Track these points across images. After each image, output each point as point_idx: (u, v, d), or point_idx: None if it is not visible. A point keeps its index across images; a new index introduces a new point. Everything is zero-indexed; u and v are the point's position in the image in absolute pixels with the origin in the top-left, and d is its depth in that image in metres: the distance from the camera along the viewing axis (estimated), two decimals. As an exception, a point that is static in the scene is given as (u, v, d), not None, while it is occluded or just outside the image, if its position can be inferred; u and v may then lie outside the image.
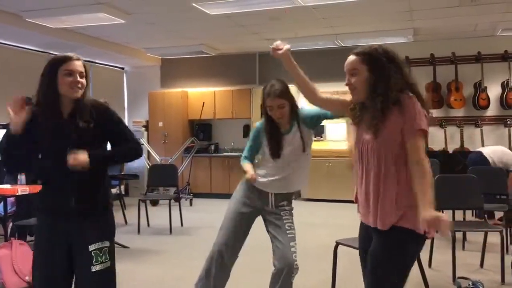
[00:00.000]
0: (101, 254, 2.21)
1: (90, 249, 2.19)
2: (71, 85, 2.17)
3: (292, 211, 3.06)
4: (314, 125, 3.00)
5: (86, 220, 2.22)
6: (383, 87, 2.00)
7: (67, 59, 2.19)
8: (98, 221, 2.27)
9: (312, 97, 2.33)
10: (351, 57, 2.11)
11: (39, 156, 2.27)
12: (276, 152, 2.92)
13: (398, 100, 1.99)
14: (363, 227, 2.22)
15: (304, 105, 2.99)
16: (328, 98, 2.34)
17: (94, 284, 2.20)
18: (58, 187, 2.23)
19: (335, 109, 2.42)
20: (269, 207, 3.01)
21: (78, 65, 2.20)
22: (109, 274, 2.26)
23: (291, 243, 2.90)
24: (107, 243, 2.25)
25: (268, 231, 3.02)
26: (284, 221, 2.96)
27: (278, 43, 2.36)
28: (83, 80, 2.22)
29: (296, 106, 2.97)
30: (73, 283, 2.31)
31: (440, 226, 1.83)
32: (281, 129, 2.95)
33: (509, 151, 6.44)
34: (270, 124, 2.95)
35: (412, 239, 2.01)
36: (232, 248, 2.97)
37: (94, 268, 2.18)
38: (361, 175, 2.13)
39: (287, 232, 2.92)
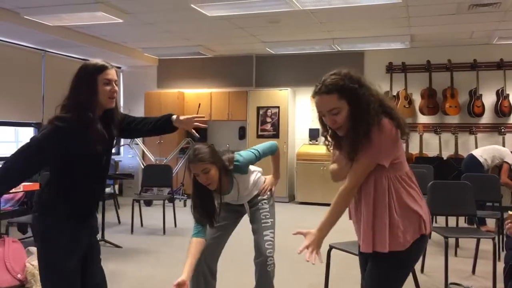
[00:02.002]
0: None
1: (98, 239, 2.46)
2: (110, 94, 2.23)
3: (271, 202, 3.09)
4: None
5: (94, 217, 2.43)
6: (365, 114, 1.94)
7: (105, 68, 2.23)
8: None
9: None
10: (324, 97, 1.97)
11: (72, 164, 2.26)
12: (211, 223, 2.77)
13: (371, 126, 1.93)
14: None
15: (239, 155, 2.90)
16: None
17: (102, 272, 2.43)
18: (91, 193, 2.33)
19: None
20: (247, 211, 3.10)
21: (114, 73, 2.26)
22: None
23: (265, 232, 2.94)
24: None
25: (250, 222, 3.10)
26: (261, 211, 3.02)
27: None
28: (117, 88, 2.30)
29: (226, 167, 2.79)
30: None
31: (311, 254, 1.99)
32: (222, 194, 2.79)
33: (501, 147, 6.52)
34: (200, 192, 2.73)
35: (412, 253, 2.05)
36: (214, 253, 3.02)
37: (100, 257, 2.44)
38: (353, 203, 2.13)
39: (262, 221, 2.98)
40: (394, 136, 1.98)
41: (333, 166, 2.18)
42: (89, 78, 2.19)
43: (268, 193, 3.09)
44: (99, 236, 2.66)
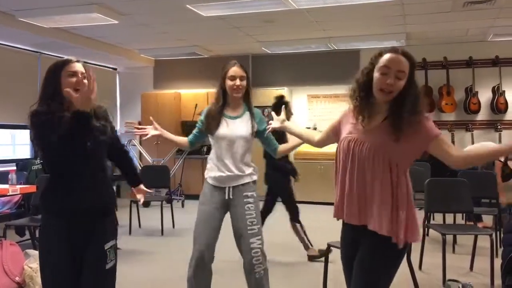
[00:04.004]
0: (111, 252, 2.31)
1: (106, 248, 2.28)
2: (75, 86, 2.22)
3: (257, 201, 3.02)
4: (260, 133, 3.06)
5: (99, 219, 2.31)
6: (417, 97, 2.03)
7: (68, 62, 2.26)
8: (109, 220, 2.37)
9: (312, 143, 2.54)
10: (402, 59, 2.02)
11: (52, 157, 2.30)
12: (210, 129, 3.02)
13: (421, 114, 2.02)
14: (349, 234, 2.17)
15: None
16: (322, 138, 2.44)
17: (106, 281, 2.30)
18: (73, 188, 2.26)
19: (329, 142, 2.43)
20: (230, 197, 2.99)
21: (79, 66, 2.27)
22: (115, 269, 2.36)
23: (251, 240, 2.89)
24: (114, 241, 2.36)
25: (232, 224, 3.01)
26: (247, 217, 2.93)
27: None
28: (85, 81, 2.24)
29: (249, 93, 3.09)
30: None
31: None
32: (231, 114, 3.04)
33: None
34: (221, 102, 3.05)
35: (404, 249, 2.05)
36: (211, 248, 2.99)
37: (107, 266, 2.28)
38: (357, 178, 2.06)
39: (248, 228, 2.91)
40: None
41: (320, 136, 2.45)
42: (53, 73, 2.25)
43: (254, 194, 3.01)
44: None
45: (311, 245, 4.77)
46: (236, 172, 2.98)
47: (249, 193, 2.99)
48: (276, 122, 2.68)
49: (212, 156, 3.09)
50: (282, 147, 3.18)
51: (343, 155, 2.12)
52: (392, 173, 1.99)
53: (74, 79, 2.23)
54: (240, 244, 2.94)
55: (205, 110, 3.16)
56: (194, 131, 3.19)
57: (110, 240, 2.31)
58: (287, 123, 2.61)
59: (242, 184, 2.99)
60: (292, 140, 3.11)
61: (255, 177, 3.07)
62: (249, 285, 2.94)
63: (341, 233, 2.25)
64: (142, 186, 2.74)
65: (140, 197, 2.72)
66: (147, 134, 3.02)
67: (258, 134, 3.06)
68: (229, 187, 2.99)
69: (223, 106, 3.05)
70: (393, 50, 2.05)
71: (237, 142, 2.98)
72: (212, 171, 3.05)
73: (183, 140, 3.24)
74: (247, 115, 3.04)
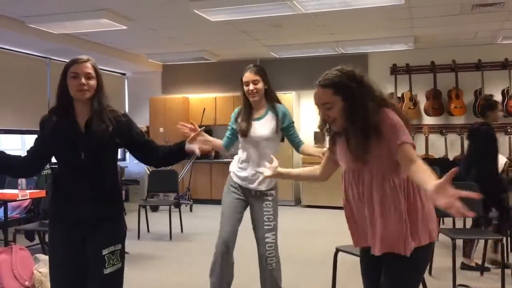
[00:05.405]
0: (113, 257, 2.27)
1: (104, 253, 2.24)
2: (77, 87, 2.20)
3: (276, 199, 3.22)
4: (284, 129, 3.19)
5: (100, 225, 2.28)
6: (361, 114, 1.93)
7: (74, 62, 2.22)
8: (111, 225, 2.32)
9: (316, 179, 2.44)
10: (320, 90, 2.02)
11: (53, 162, 2.36)
12: (245, 131, 3.11)
13: (377, 122, 1.93)
14: (366, 255, 2.15)
15: (287, 110, 3.24)
16: (324, 170, 2.36)
17: (104, 284, 2.26)
18: (72, 194, 2.27)
19: (333, 171, 2.34)
20: (252, 195, 3.20)
21: (85, 66, 2.21)
22: (118, 274, 2.32)
23: (266, 235, 3.11)
24: (119, 246, 2.31)
25: (251, 218, 3.22)
26: (264, 213, 3.14)
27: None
28: (91, 82, 2.22)
29: (272, 92, 3.20)
30: None
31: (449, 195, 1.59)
32: (255, 114, 3.16)
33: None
34: (247, 106, 3.18)
35: (424, 252, 2.02)
36: (233, 239, 3.18)
37: (106, 271, 2.24)
38: (362, 205, 2.05)
39: (265, 224, 3.13)
40: (401, 122, 1.95)
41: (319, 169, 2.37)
42: (62, 73, 2.25)
43: (273, 192, 3.19)
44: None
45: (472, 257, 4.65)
46: (261, 175, 3.06)
47: (269, 192, 3.17)
48: (267, 171, 2.46)
49: (240, 155, 3.23)
50: (307, 148, 3.29)
51: (346, 186, 2.12)
52: (389, 188, 1.96)
53: (76, 81, 2.19)
54: (256, 236, 3.16)
55: (233, 114, 3.28)
56: (227, 134, 3.33)
57: (110, 245, 2.26)
58: (280, 170, 2.45)
59: (265, 187, 3.16)
60: (317, 150, 3.18)
61: (275, 181, 3.22)
62: (263, 275, 3.14)
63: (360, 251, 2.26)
64: (187, 145, 2.38)
65: (198, 147, 2.36)
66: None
67: (283, 129, 3.20)
68: (253, 190, 3.17)
69: (250, 110, 3.18)
70: (314, 84, 2.06)
71: (261, 143, 3.12)
72: (238, 170, 3.22)
73: (218, 142, 3.37)
74: (270, 114, 3.16)
